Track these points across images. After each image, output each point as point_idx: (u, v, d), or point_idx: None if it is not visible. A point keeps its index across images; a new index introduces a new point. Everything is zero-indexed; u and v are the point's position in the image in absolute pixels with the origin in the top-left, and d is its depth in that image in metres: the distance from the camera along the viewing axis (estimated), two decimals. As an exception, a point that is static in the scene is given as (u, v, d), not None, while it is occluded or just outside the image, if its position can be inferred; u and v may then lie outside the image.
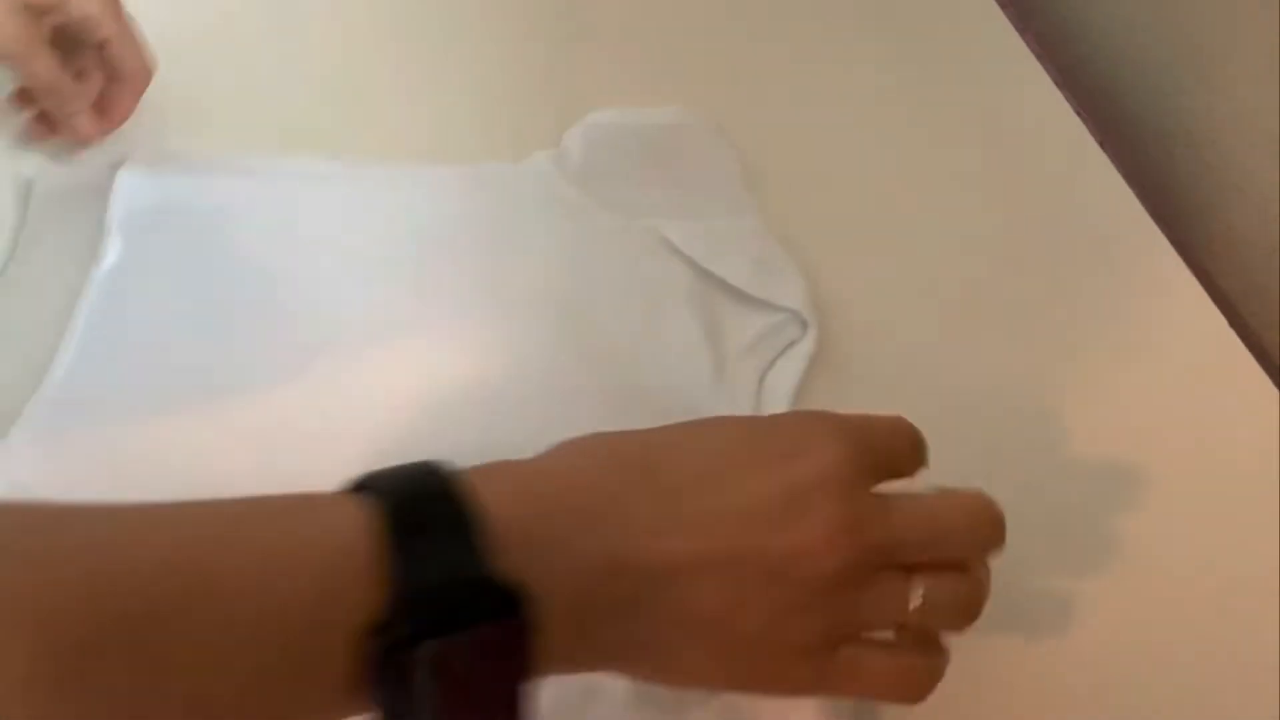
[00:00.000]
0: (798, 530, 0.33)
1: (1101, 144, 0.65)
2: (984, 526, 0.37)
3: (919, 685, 0.36)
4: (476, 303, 0.53)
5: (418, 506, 0.30)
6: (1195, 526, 0.50)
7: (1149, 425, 0.53)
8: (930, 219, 0.60)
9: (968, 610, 0.36)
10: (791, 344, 0.53)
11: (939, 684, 0.36)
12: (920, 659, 0.36)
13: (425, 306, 0.53)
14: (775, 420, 0.39)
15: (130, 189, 0.55)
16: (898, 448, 0.38)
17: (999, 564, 0.42)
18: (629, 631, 0.33)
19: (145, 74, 0.53)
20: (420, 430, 0.49)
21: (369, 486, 0.31)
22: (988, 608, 0.38)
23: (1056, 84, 0.68)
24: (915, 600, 0.35)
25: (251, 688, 0.28)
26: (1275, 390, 0.55)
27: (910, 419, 0.48)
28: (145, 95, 0.60)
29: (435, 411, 0.49)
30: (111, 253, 0.52)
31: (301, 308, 0.52)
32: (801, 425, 0.36)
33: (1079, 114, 0.67)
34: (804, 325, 0.53)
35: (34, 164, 0.55)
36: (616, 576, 0.32)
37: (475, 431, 0.49)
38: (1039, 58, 0.69)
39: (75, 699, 0.25)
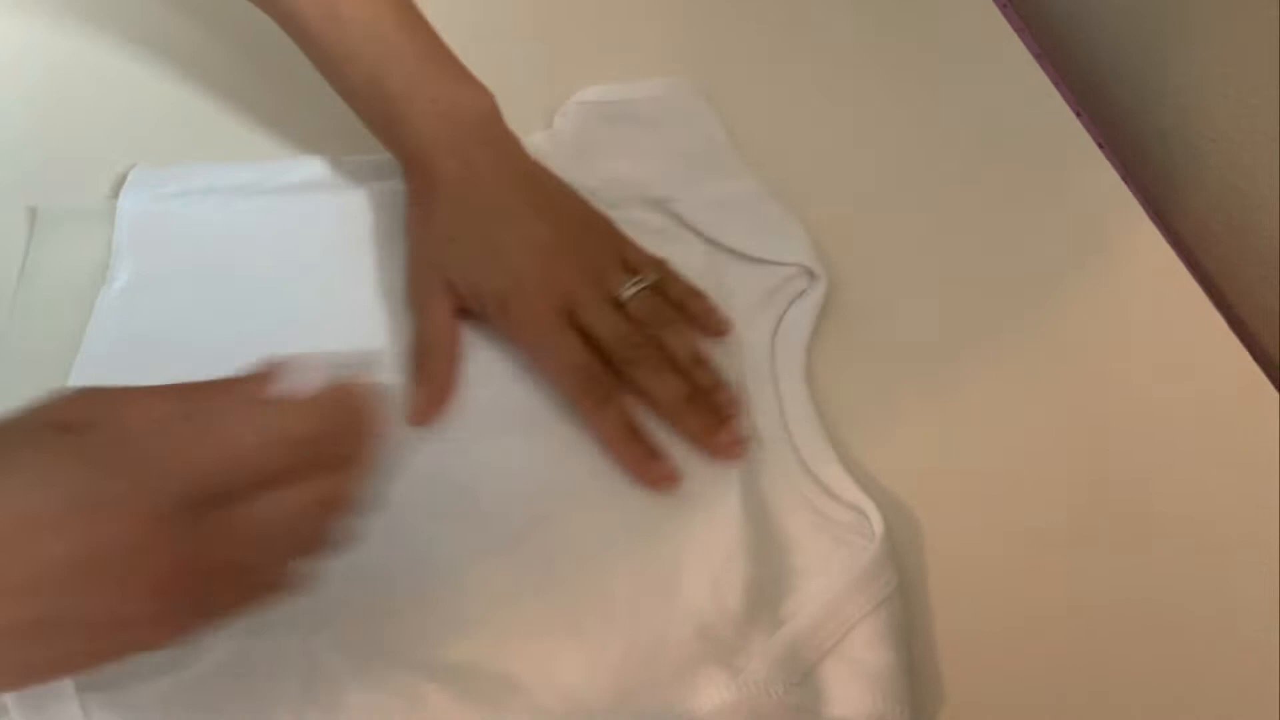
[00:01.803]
0: (99, 594, 0.32)
1: (1101, 144, 0.65)
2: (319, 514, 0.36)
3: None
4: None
5: None
6: (1195, 526, 0.50)
7: (1148, 424, 0.53)
8: (926, 218, 0.61)
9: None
10: (800, 294, 0.55)
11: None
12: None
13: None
14: (70, 470, 0.33)
15: (133, 212, 0.55)
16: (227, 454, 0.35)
17: (992, 567, 0.47)
18: None
19: None
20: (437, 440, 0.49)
21: None
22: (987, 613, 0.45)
23: (1056, 84, 0.68)
24: None
25: None
26: (1274, 390, 0.55)
27: (911, 423, 0.49)
28: (136, 106, 0.60)
29: (456, 411, 0.50)
30: (121, 273, 0.53)
31: (306, 314, 0.53)
32: (96, 476, 0.33)
33: (1078, 113, 0.67)
34: (810, 276, 0.55)
35: (37, 193, 0.56)
36: None
37: (483, 409, 0.50)
38: (1038, 58, 0.70)
39: None
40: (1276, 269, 0.60)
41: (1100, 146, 0.65)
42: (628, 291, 0.51)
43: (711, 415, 0.49)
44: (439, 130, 0.52)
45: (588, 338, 0.50)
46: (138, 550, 0.32)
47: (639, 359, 0.50)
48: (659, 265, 0.53)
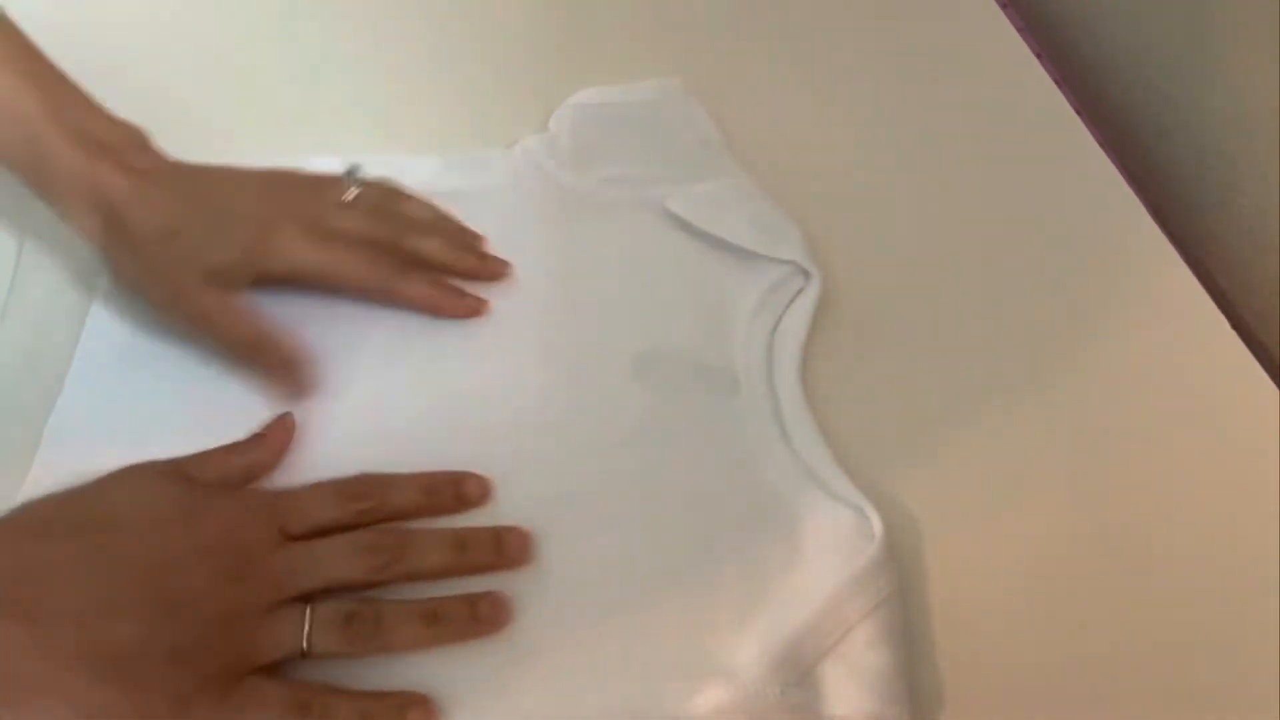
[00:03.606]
0: (187, 577, 0.40)
1: (1101, 144, 0.65)
2: (362, 556, 0.43)
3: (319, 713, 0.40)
4: (484, 294, 0.54)
5: None
6: (1195, 527, 0.50)
7: (1148, 424, 0.53)
8: (925, 218, 0.61)
9: (356, 626, 0.41)
10: (798, 293, 0.55)
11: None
12: (326, 695, 0.40)
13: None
14: (186, 486, 0.44)
15: None
16: (309, 507, 0.44)
17: (992, 567, 0.47)
18: (15, 674, 0.36)
19: None
20: (423, 425, 0.49)
21: None
22: (987, 614, 0.44)
23: (1056, 84, 0.68)
24: (306, 627, 0.41)
25: None
26: (1275, 389, 0.55)
27: (911, 425, 0.50)
28: (136, 106, 0.60)
29: (440, 404, 0.50)
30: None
31: (302, 318, 0.52)
32: (186, 496, 0.43)
33: (1079, 113, 0.67)
34: (805, 275, 0.55)
35: (33, 194, 0.55)
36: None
37: (482, 419, 0.50)
38: (1038, 57, 0.70)
39: None
40: (1278, 269, 0.60)
41: (1100, 146, 0.65)
42: (350, 193, 0.52)
43: (473, 254, 0.54)
44: (91, 160, 0.48)
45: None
46: (229, 545, 0.41)
47: (400, 232, 0.53)
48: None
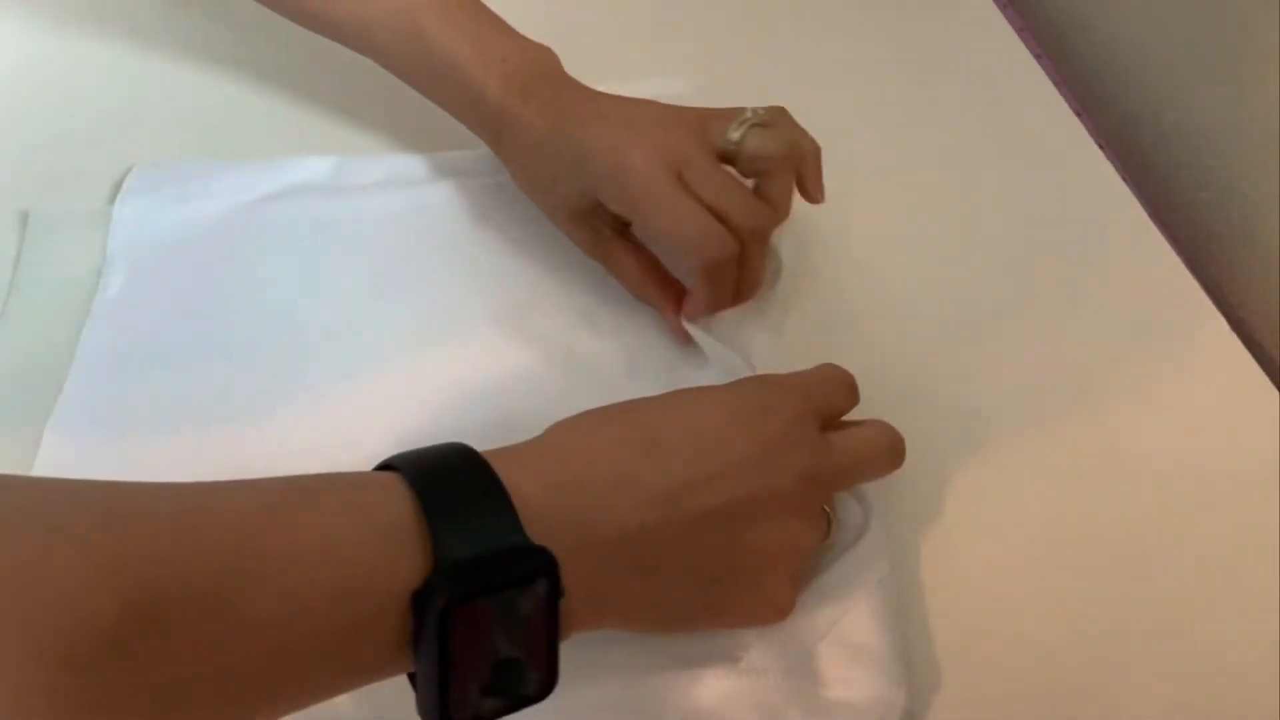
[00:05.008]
0: (775, 476, 0.40)
1: (1101, 145, 0.65)
2: (893, 456, 0.45)
3: None
4: (478, 294, 0.55)
5: (450, 485, 0.33)
6: (1194, 526, 0.50)
7: (1148, 425, 0.53)
8: (927, 219, 0.61)
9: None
10: (774, 284, 0.55)
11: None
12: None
13: (423, 311, 0.54)
14: (741, 386, 0.43)
15: (130, 219, 0.55)
16: (834, 394, 0.45)
17: (984, 552, 0.47)
18: (641, 591, 0.38)
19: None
20: (419, 418, 0.49)
21: (401, 467, 0.34)
22: (982, 598, 0.46)
23: (1056, 84, 0.68)
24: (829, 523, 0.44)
25: (310, 652, 0.30)
26: (1275, 390, 0.55)
27: (909, 415, 0.50)
28: (135, 107, 0.60)
29: (437, 399, 0.50)
30: (115, 281, 0.53)
31: (300, 320, 0.53)
32: (763, 388, 0.43)
33: (1079, 114, 0.67)
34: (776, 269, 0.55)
35: (31, 196, 0.56)
36: (629, 545, 0.37)
37: (481, 412, 0.50)
38: (1038, 58, 0.70)
39: (127, 678, 0.27)
40: (1277, 270, 0.60)
41: (1100, 147, 0.65)
42: (737, 132, 0.51)
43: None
44: (513, 83, 0.52)
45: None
46: (791, 443, 0.40)
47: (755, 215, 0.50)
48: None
